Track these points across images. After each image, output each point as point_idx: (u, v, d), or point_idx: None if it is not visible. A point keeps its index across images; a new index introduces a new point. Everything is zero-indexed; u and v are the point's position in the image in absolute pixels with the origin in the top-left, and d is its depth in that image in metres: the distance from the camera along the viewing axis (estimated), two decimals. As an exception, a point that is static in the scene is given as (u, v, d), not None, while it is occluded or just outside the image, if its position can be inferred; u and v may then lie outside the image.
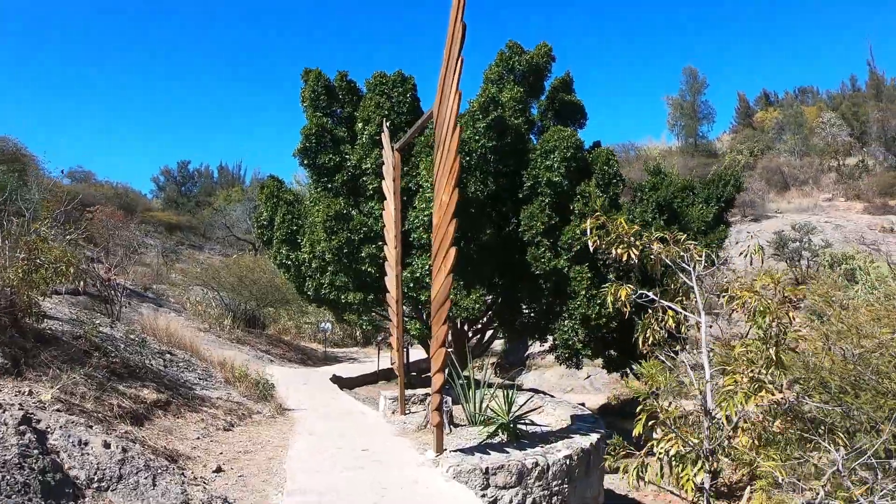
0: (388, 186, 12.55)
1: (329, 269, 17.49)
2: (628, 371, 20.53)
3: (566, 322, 16.95)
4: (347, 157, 17.94)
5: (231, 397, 12.69)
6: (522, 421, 10.47)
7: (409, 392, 13.02)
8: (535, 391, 16.34)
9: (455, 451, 9.16)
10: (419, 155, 16.80)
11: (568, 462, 8.86)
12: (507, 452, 9.08)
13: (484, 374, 13.77)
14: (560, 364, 19.22)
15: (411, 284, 16.07)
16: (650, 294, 8.63)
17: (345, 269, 17.11)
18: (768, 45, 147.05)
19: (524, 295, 17.83)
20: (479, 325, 20.19)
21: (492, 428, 10.10)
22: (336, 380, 21.54)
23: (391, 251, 12.13)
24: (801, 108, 73.16)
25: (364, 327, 18.13)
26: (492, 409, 10.64)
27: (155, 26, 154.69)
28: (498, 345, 34.18)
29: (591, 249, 9.15)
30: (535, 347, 37.70)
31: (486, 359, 27.78)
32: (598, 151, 18.22)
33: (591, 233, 9.00)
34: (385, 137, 13.15)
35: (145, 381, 10.85)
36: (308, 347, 33.31)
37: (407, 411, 12.58)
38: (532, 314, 18.62)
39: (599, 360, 20.09)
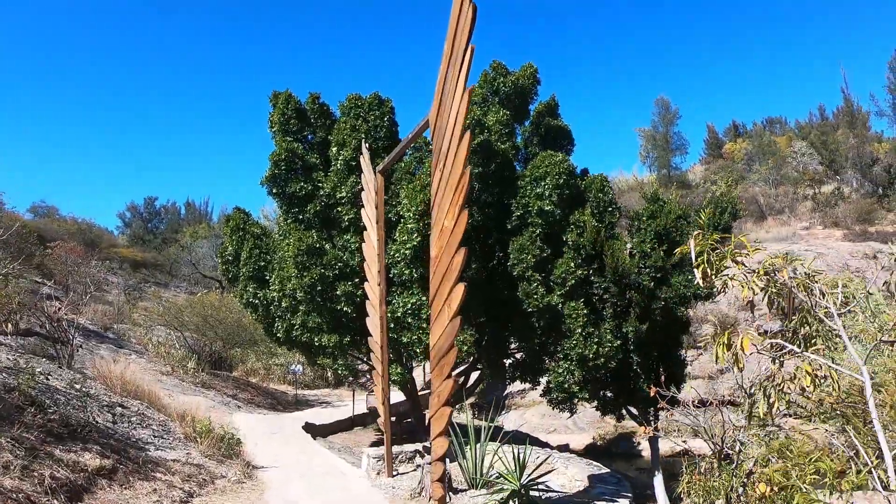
0: (368, 214, 10.98)
1: (301, 308, 15.85)
2: (625, 413, 19.15)
3: (561, 363, 15.56)
4: (320, 185, 16.44)
5: (191, 458, 10.93)
6: (535, 485, 8.86)
7: (395, 449, 11.41)
8: (545, 445, 14.81)
9: (460, 534, 7.58)
10: (399, 182, 15.35)
11: (599, 545, 7.30)
12: (524, 533, 7.55)
13: (467, 417, 12.15)
14: (553, 408, 17.70)
15: (392, 325, 14.46)
16: (787, 345, 6.29)
17: (318, 308, 15.50)
18: (736, 76, 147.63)
19: (514, 334, 16.40)
20: (464, 367, 18.61)
21: (500, 497, 8.47)
22: (309, 428, 19.85)
23: (374, 288, 10.56)
24: (772, 138, 73.06)
25: (340, 372, 16.47)
26: (499, 473, 9.05)
27: (116, 56, 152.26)
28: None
29: (701, 283, 6.27)
30: (516, 386, 36.22)
31: (464, 400, 26.21)
32: (591, 178, 17.19)
33: (696, 261, 6.30)
34: (364, 160, 11.66)
35: (88, 442, 9.14)
36: (277, 390, 31.38)
37: (394, 472, 10.92)
38: (523, 354, 17.13)
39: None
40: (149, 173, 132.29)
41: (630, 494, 8.72)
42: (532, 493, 8.59)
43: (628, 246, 16.90)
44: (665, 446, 29.68)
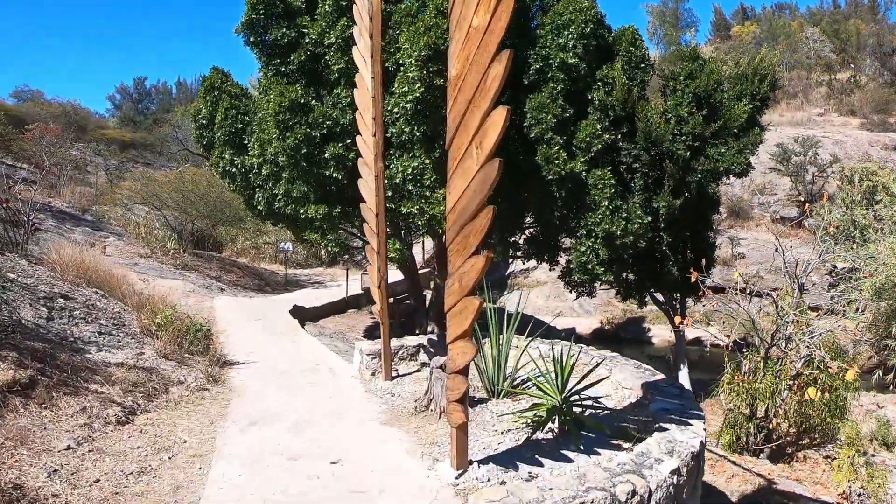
0: (361, 52, 8.49)
1: (284, 175, 13.55)
2: (648, 298, 17.36)
3: (584, 241, 13.69)
4: (306, 31, 13.86)
5: (142, 360, 8.84)
6: (579, 400, 6.83)
7: (394, 343, 9.37)
8: (553, 330, 12.77)
9: (485, 461, 5.56)
10: (398, 27, 12.82)
11: (676, 480, 5.29)
12: (572, 462, 5.54)
13: (486, 298, 10.03)
14: (570, 290, 16.05)
15: (389, 193, 12.30)
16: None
17: (303, 174, 13.23)
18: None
19: (532, 206, 14.22)
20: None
21: (535, 413, 6.44)
22: (297, 311, 17.99)
23: (368, 140, 8.24)
24: (785, 21, 70.27)
25: (329, 249, 14.30)
26: (532, 380, 7.03)
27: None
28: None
29: None
30: (517, 265, 34.52)
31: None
32: (621, 30, 14.85)
33: None
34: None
35: (3, 347, 7.05)
36: (267, 271, 29.41)
37: (393, 372, 8.90)
38: (538, 229, 15.29)
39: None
40: (139, 54, 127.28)
41: (701, 413, 6.62)
42: (575, 408, 6.56)
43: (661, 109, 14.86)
44: (665, 332, 28.49)
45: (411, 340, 9.71)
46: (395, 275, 24.44)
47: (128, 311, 11.20)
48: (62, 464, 5.54)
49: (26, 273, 10.51)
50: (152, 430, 6.72)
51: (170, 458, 6.03)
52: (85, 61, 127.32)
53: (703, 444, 5.94)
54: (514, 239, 15.47)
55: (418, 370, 8.96)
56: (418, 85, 11.69)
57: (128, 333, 9.70)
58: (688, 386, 15.63)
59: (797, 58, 61.56)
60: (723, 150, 14.28)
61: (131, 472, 5.60)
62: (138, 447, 6.20)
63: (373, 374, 8.93)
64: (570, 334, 24.68)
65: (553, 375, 6.51)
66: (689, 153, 14.17)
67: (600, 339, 28.19)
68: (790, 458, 11.89)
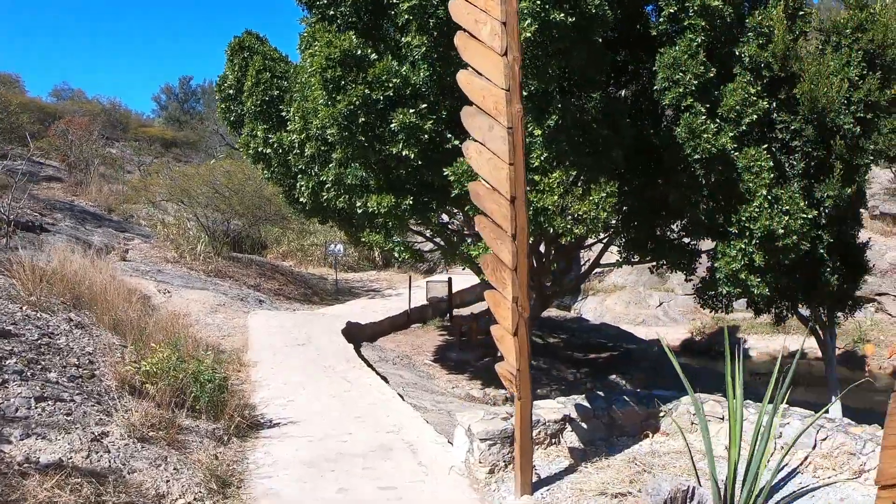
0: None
1: (334, 155, 9.98)
2: (788, 314, 13.61)
3: (734, 242, 10.27)
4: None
5: (102, 448, 5.12)
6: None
7: (535, 413, 5.58)
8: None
9: None
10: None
11: None
12: None
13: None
14: (703, 306, 12.53)
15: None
16: None
17: (360, 153, 9.61)
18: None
19: (672, 196, 10.72)
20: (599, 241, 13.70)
21: None
22: (352, 330, 14.56)
23: (490, 64, 4.51)
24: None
25: (398, 255, 10.66)
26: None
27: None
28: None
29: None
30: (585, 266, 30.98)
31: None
32: None
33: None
34: None
35: None
36: (314, 276, 25.84)
37: (535, 477, 5.12)
38: (678, 227, 11.93)
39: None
40: (184, 55, 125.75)
41: None
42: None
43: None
44: (761, 344, 24.99)
45: (547, 407, 5.92)
46: (468, 281, 21.15)
47: (115, 347, 7.71)
48: None
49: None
50: None
51: None
52: (130, 62, 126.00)
53: None
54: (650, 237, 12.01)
55: (571, 467, 5.25)
56: (529, 21, 8.11)
57: (92, 394, 6.10)
58: (838, 411, 12.31)
59: None
60: (897, 126, 10.97)
61: None
62: None
63: (490, 472, 5.20)
64: (654, 345, 21.69)
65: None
66: (858, 128, 10.78)
67: (690, 351, 24.84)
68: None
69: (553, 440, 5.58)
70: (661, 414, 5.74)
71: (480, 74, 4.73)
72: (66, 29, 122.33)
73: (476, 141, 4.79)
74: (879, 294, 23.98)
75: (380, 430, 7.06)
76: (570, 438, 5.61)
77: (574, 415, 5.66)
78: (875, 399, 14.18)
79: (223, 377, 7.20)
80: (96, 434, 5.33)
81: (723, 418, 5.51)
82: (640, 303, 28.88)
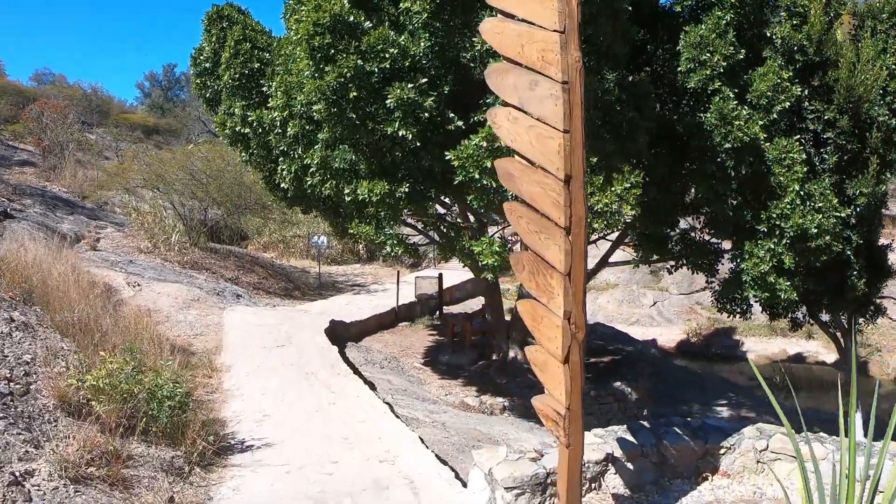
0: None
1: (320, 136, 8.89)
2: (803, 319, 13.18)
3: (762, 242, 9.65)
4: None
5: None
6: None
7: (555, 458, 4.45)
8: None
9: None
10: None
11: None
12: None
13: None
14: (720, 311, 11.94)
15: (488, 165, 7.72)
16: None
17: (350, 131, 8.53)
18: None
19: (699, 189, 9.86)
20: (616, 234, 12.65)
21: None
22: (336, 329, 13.62)
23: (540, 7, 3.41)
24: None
25: (392, 248, 9.48)
26: None
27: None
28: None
29: None
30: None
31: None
32: None
33: None
34: None
35: None
36: (296, 269, 24.66)
37: None
38: (702, 223, 11.13)
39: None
40: (171, 41, 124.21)
41: None
42: None
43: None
44: (759, 347, 24.26)
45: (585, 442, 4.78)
46: (458, 276, 20.17)
47: (61, 354, 6.56)
48: None
49: None
50: None
51: None
52: (115, 51, 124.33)
53: None
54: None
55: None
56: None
57: (22, 417, 4.95)
58: (860, 429, 11.42)
59: None
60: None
61: None
62: None
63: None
64: (650, 345, 20.80)
65: None
66: (893, 120, 10.32)
67: (686, 353, 24.18)
68: None
69: (593, 485, 4.42)
70: (722, 451, 4.68)
71: (515, 18, 3.61)
72: (51, 15, 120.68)
73: (509, 105, 3.66)
74: (881, 298, 23.41)
75: (371, 458, 5.96)
76: (614, 483, 4.46)
77: (618, 453, 4.54)
78: (881, 407, 13.21)
79: (186, 392, 6.04)
80: (18, 475, 4.18)
81: (794, 457, 4.51)
82: (634, 302, 27.95)
